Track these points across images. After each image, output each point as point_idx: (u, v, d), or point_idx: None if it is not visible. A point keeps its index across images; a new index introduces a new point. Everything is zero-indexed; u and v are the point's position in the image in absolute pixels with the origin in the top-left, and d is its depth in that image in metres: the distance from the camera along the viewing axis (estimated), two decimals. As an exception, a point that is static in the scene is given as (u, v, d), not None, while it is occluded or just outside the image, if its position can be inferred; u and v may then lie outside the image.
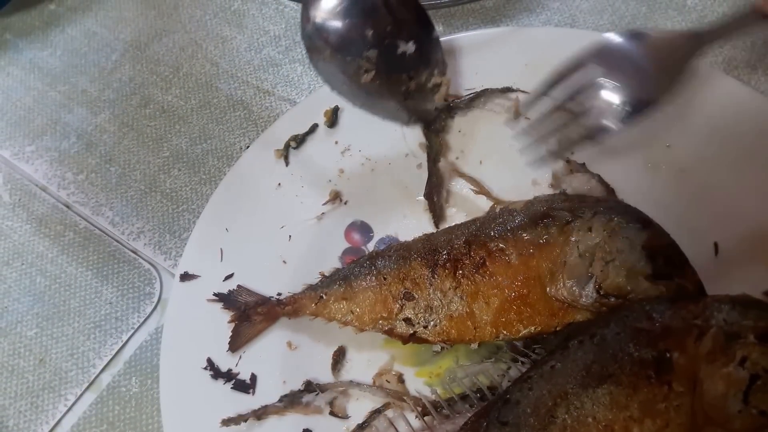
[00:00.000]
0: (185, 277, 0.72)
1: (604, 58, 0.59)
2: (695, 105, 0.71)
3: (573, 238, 0.62)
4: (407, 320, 0.65)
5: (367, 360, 0.69)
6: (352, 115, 0.78)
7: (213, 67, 0.94)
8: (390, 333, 0.66)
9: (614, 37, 0.59)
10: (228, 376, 0.69)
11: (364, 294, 0.67)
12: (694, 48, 0.58)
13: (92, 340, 0.76)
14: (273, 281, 0.73)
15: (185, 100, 0.92)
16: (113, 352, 0.75)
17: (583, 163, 0.72)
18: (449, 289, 0.65)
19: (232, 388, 0.68)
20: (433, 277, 0.66)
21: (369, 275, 0.68)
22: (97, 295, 0.79)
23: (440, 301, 0.65)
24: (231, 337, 0.70)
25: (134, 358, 0.75)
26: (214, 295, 0.72)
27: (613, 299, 0.60)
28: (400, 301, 0.66)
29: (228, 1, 1.00)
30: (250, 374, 0.69)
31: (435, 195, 0.75)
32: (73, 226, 0.84)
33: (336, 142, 0.79)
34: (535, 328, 0.63)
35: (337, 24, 0.66)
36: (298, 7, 0.96)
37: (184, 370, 0.69)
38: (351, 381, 0.68)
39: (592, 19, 0.87)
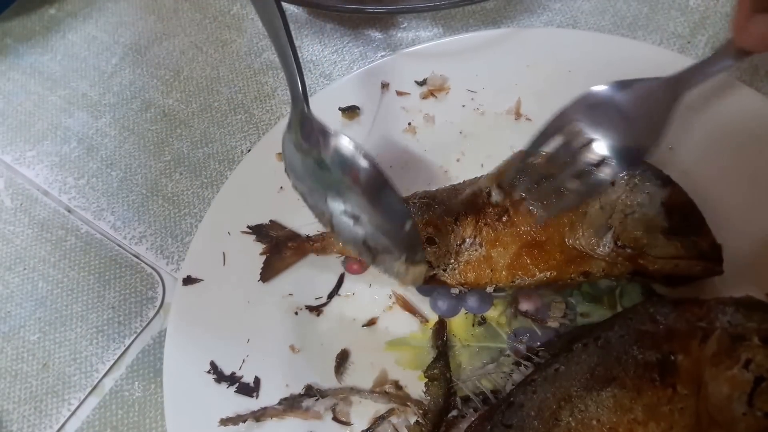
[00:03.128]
0: (188, 281, 0.72)
1: (589, 112, 0.60)
2: (698, 107, 0.71)
3: None
4: (428, 263, 0.68)
5: (370, 363, 0.69)
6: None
7: (213, 70, 0.94)
8: None
9: (598, 90, 0.60)
10: (231, 379, 0.68)
11: None
12: (677, 93, 0.59)
13: (95, 345, 0.76)
14: (277, 284, 0.74)
15: (186, 103, 0.92)
16: (116, 357, 0.75)
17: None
18: (470, 235, 0.68)
19: (235, 391, 0.68)
20: (456, 224, 0.69)
21: None
22: (99, 300, 0.79)
23: (460, 246, 0.68)
24: (263, 268, 0.73)
25: (137, 362, 0.75)
26: (248, 227, 0.75)
27: (629, 250, 0.63)
28: (423, 245, 0.68)
29: (227, 5, 1.00)
30: (254, 378, 0.69)
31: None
32: (75, 230, 0.84)
33: (337, 145, 0.79)
34: (550, 273, 0.66)
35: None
36: (298, 10, 0.96)
37: (187, 374, 0.69)
38: (352, 387, 0.68)
39: (593, 20, 0.87)
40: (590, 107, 0.60)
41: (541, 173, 0.65)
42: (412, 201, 0.72)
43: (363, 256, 0.65)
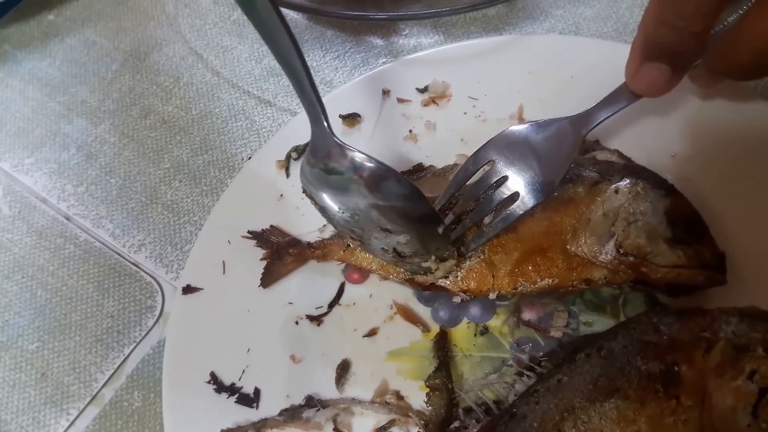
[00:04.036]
0: (188, 290, 0.72)
1: (504, 151, 0.66)
2: (699, 114, 0.71)
3: (599, 198, 0.66)
4: (433, 287, 0.69)
5: (371, 373, 0.69)
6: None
7: (213, 76, 0.94)
8: (411, 282, 0.70)
9: (512, 131, 0.66)
10: (231, 389, 0.68)
11: None
12: (579, 132, 0.65)
13: (94, 354, 0.76)
14: (278, 292, 0.73)
15: (186, 110, 0.91)
16: (115, 366, 0.75)
17: (597, 140, 0.73)
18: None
19: (235, 402, 0.67)
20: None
21: None
22: (98, 309, 0.78)
23: (461, 255, 0.68)
24: (263, 274, 0.73)
25: (136, 372, 0.74)
26: (249, 232, 0.74)
27: (631, 258, 0.63)
28: None
29: (228, 11, 1.00)
30: (254, 388, 0.68)
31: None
32: (74, 238, 0.83)
33: (338, 153, 0.79)
34: (552, 281, 0.66)
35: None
36: (298, 15, 0.95)
37: (187, 384, 0.68)
38: (353, 398, 0.67)
39: (596, 27, 0.87)
40: (505, 146, 0.66)
41: (461, 211, 0.68)
42: None
43: (390, 262, 0.67)
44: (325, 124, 0.62)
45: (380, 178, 0.60)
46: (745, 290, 0.63)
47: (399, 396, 0.67)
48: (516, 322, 0.69)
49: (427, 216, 0.62)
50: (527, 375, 0.64)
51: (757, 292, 0.63)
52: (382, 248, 0.65)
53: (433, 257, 0.65)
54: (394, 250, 0.64)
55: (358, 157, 0.60)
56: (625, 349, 0.58)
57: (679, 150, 0.71)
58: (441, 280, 0.68)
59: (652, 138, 0.72)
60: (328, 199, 0.63)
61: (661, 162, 0.71)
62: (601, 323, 0.67)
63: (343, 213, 0.63)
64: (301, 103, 0.63)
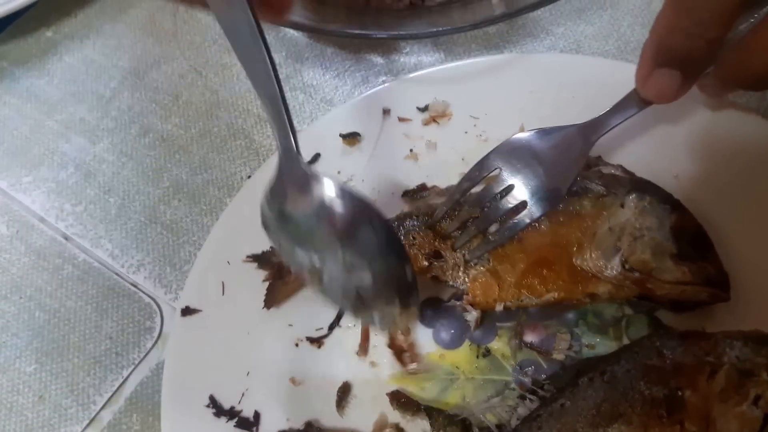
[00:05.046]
0: (186, 311, 0.71)
1: (510, 158, 0.66)
2: (702, 134, 0.71)
3: (605, 212, 0.66)
4: (434, 278, 0.69)
5: (373, 397, 0.68)
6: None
7: (213, 95, 0.93)
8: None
9: (519, 137, 0.66)
10: (231, 413, 0.67)
11: None
12: (589, 139, 0.65)
13: (92, 376, 0.75)
14: (278, 314, 0.73)
15: (185, 128, 0.91)
16: (114, 389, 0.74)
17: (599, 156, 0.73)
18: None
19: (235, 426, 0.67)
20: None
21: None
22: (96, 330, 0.78)
23: (467, 261, 0.68)
24: (266, 295, 0.72)
25: (135, 394, 0.74)
26: (248, 256, 0.74)
27: (637, 274, 0.63)
28: (429, 260, 0.69)
29: (227, 28, 0.99)
30: (254, 412, 0.67)
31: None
32: (72, 259, 0.83)
33: (339, 172, 0.78)
34: (558, 294, 0.65)
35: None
36: (298, 34, 0.95)
37: (186, 408, 0.67)
38: (353, 430, 0.67)
39: (597, 45, 0.87)
40: (511, 153, 0.66)
41: (466, 217, 0.68)
42: (415, 215, 0.72)
43: (348, 309, 0.65)
44: (296, 152, 0.57)
45: (354, 213, 0.56)
46: (750, 309, 0.63)
47: (399, 428, 0.66)
48: (518, 344, 0.68)
49: (399, 255, 0.60)
50: (530, 398, 0.64)
51: (762, 310, 0.63)
52: (342, 290, 0.61)
53: (397, 301, 0.61)
54: (357, 292, 0.60)
55: (330, 189, 0.56)
56: (629, 373, 0.57)
57: (681, 170, 0.71)
58: (445, 278, 0.69)
59: (655, 156, 0.72)
60: (289, 237, 0.60)
61: (664, 182, 0.70)
62: (603, 345, 0.67)
63: (305, 251, 0.60)
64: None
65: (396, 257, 0.59)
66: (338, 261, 0.58)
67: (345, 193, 0.56)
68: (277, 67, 0.91)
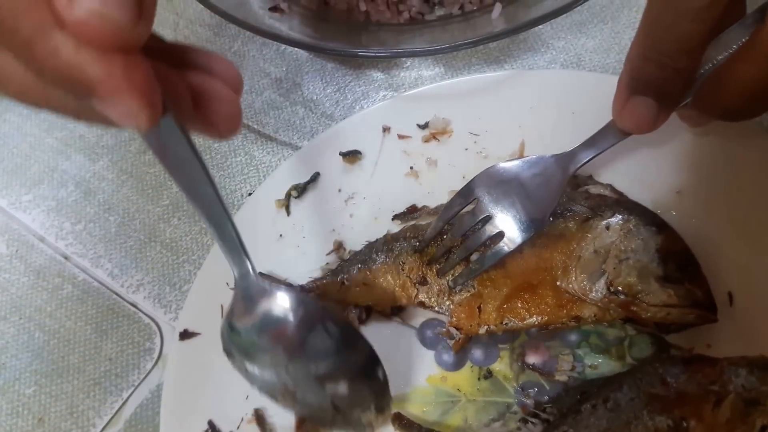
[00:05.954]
0: (185, 335, 0.71)
1: (489, 188, 0.67)
2: (704, 151, 0.70)
3: (590, 234, 0.66)
4: (421, 304, 0.70)
5: (373, 421, 0.67)
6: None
7: (213, 110, 0.92)
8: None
9: (497, 168, 0.67)
10: (230, 438, 0.67)
11: (384, 278, 0.71)
12: (567, 170, 0.64)
13: (92, 398, 0.75)
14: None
15: (185, 145, 0.90)
16: (114, 411, 0.74)
17: (590, 175, 0.72)
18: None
19: (234, 451, 0.66)
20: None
21: (387, 260, 0.71)
22: (96, 351, 0.77)
23: (451, 288, 0.69)
24: None
25: (135, 417, 0.73)
26: None
27: (622, 297, 0.63)
28: (416, 286, 0.70)
29: (228, 42, 0.99)
30: (253, 437, 0.67)
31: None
32: (72, 278, 0.82)
33: (339, 190, 0.78)
34: (542, 318, 0.66)
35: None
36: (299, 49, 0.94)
37: (185, 432, 0.67)
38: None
39: (598, 58, 0.86)
40: (490, 183, 0.67)
41: (449, 245, 0.69)
42: (403, 236, 0.72)
43: (326, 423, 0.64)
44: (253, 275, 0.56)
45: (314, 324, 0.57)
46: (754, 330, 0.63)
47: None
48: (521, 366, 0.68)
49: (370, 357, 0.60)
50: (532, 422, 0.63)
51: (762, 331, 0.62)
52: (318, 405, 0.61)
53: (372, 406, 0.61)
54: (332, 403, 0.60)
55: (286, 302, 0.56)
56: (632, 401, 0.57)
57: (684, 187, 0.70)
58: (431, 303, 0.70)
59: (657, 174, 0.71)
60: (254, 360, 0.59)
61: (667, 199, 0.70)
62: (606, 366, 0.66)
63: (274, 372, 0.59)
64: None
65: (366, 359, 0.60)
66: (309, 375, 0.59)
67: (302, 304, 0.57)
68: (279, 82, 0.92)
